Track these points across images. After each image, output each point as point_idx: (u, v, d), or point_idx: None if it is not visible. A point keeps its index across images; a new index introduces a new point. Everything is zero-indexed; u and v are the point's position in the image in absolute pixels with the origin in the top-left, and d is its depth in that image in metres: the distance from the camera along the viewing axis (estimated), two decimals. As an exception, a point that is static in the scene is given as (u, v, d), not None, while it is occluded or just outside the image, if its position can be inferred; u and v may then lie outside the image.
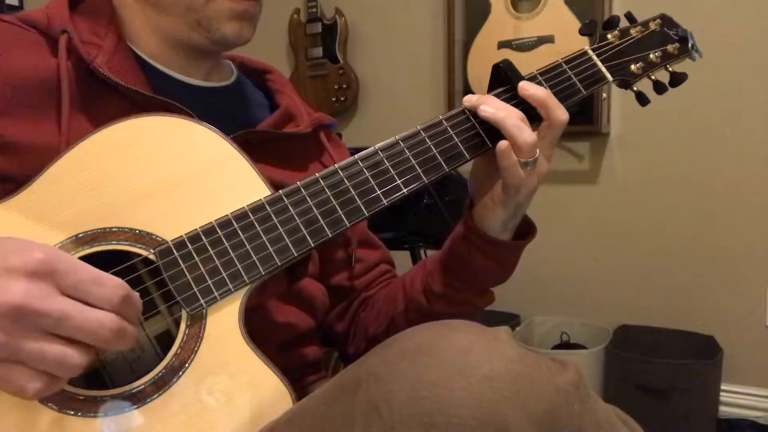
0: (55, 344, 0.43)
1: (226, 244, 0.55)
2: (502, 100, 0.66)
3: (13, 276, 0.42)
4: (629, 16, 0.75)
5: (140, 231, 0.55)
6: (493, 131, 0.64)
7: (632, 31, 0.73)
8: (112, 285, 0.45)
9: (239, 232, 0.56)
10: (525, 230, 0.70)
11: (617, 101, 1.94)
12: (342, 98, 2.29)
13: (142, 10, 0.67)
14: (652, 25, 0.73)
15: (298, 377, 0.71)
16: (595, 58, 0.70)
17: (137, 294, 0.48)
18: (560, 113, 0.65)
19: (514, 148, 0.62)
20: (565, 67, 0.69)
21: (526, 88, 0.65)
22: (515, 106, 0.66)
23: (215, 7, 0.66)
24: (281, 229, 0.57)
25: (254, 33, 0.70)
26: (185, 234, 0.55)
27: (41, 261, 0.43)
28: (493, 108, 0.63)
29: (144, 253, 0.54)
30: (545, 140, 0.65)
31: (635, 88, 0.73)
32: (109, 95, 0.62)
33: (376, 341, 0.78)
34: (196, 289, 0.54)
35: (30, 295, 0.42)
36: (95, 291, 0.44)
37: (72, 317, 0.43)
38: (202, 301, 0.54)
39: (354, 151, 0.66)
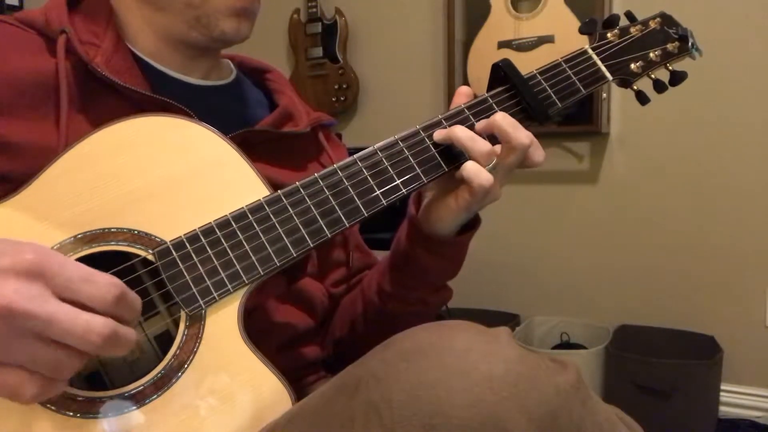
0: (46, 347, 0.42)
1: (225, 245, 0.55)
2: (501, 99, 0.66)
3: (2, 276, 0.41)
4: (629, 15, 0.74)
5: (139, 231, 0.55)
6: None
7: (632, 29, 0.73)
8: (103, 282, 0.44)
9: (238, 232, 0.56)
10: (469, 223, 0.69)
11: (617, 101, 1.94)
12: (342, 98, 2.29)
13: (140, 9, 0.67)
14: (652, 24, 0.73)
15: (298, 377, 0.71)
16: (594, 57, 0.70)
17: (135, 294, 0.46)
18: (521, 136, 0.61)
19: (473, 158, 0.61)
20: (564, 66, 0.69)
21: (478, 125, 0.63)
22: (514, 106, 0.66)
23: (214, 4, 0.65)
24: (280, 230, 0.57)
25: (252, 30, 0.70)
26: (184, 234, 0.55)
27: (31, 261, 0.42)
28: (445, 132, 0.62)
29: (143, 253, 0.54)
30: (507, 160, 0.61)
31: (635, 87, 0.72)
32: (108, 95, 0.62)
33: (341, 345, 0.78)
34: (195, 290, 0.54)
35: (19, 296, 0.40)
36: (85, 289, 0.43)
37: (60, 321, 0.41)
38: (201, 302, 0.53)
39: (354, 151, 0.65)
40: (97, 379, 0.56)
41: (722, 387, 1.78)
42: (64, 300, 0.42)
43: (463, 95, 0.67)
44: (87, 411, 0.49)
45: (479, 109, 0.65)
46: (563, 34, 1.89)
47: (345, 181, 0.60)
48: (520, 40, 1.95)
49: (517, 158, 0.62)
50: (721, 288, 1.87)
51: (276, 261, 0.56)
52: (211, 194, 0.57)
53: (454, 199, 0.64)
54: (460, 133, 0.61)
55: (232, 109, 0.74)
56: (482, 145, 0.60)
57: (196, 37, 0.68)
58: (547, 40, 1.91)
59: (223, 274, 0.54)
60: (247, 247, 0.56)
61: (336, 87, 2.28)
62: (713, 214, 1.86)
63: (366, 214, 0.60)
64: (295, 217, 0.58)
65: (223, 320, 0.54)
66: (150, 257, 0.54)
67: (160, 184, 0.57)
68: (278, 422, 0.50)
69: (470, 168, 0.60)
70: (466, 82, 2.08)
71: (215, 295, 0.54)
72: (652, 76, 0.73)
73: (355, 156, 0.61)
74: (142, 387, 0.50)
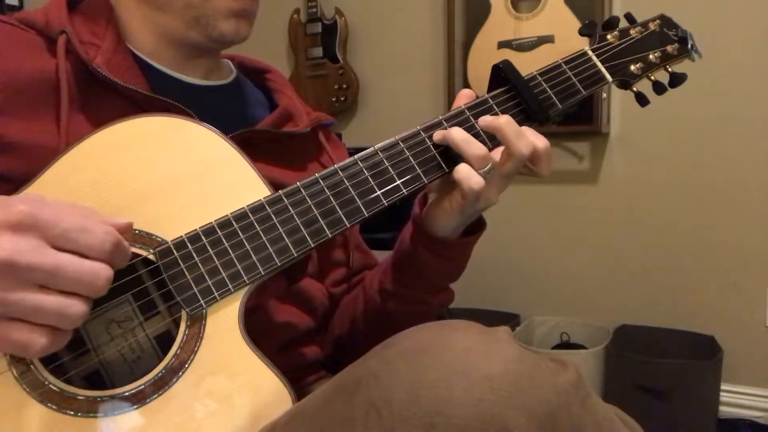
0: (51, 295, 0.42)
1: (226, 245, 0.55)
2: (501, 101, 0.66)
3: None
4: (629, 17, 0.75)
5: (140, 231, 0.55)
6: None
7: (632, 31, 0.73)
8: (100, 232, 0.44)
9: (239, 232, 0.56)
10: (475, 226, 0.69)
11: (617, 101, 1.95)
12: (342, 98, 2.29)
13: (140, 8, 0.67)
14: (652, 26, 0.73)
15: (298, 377, 0.71)
16: (594, 58, 0.70)
17: (126, 242, 0.48)
18: (521, 145, 0.59)
19: (466, 161, 0.60)
20: (564, 67, 0.69)
21: (482, 119, 0.63)
22: (514, 107, 0.66)
23: (213, 5, 0.66)
24: (281, 230, 0.57)
25: (251, 31, 0.70)
26: (185, 234, 0.55)
27: (24, 213, 0.42)
28: (443, 133, 0.62)
29: (144, 253, 0.54)
30: (503, 167, 0.61)
31: (635, 89, 0.72)
32: (108, 95, 0.62)
33: (341, 343, 0.78)
34: (195, 290, 0.54)
35: (18, 250, 0.41)
36: (83, 239, 0.43)
37: (65, 269, 0.42)
38: (201, 302, 0.54)
39: (354, 151, 0.66)
40: (98, 378, 0.56)
41: (722, 387, 1.78)
42: (60, 249, 0.43)
43: (464, 97, 0.67)
44: (87, 410, 0.49)
45: (479, 110, 0.65)
46: (563, 35, 1.89)
47: (346, 181, 0.60)
48: (520, 40, 1.95)
49: (515, 166, 0.61)
50: (721, 288, 1.87)
51: (277, 261, 0.56)
52: (212, 194, 0.57)
53: (448, 201, 0.64)
54: (456, 135, 0.61)
55: (232, 109, 0.74)
56: (476, 148, 0.60)
57: (194, 38, 0.68)
58: (547, 40, 1.92)
59: (224, 274, 0.55)
60: (248, 246, 0.56)
61: (336, 87, 2.28)
62: (713, 213, 1.86)
63: (366, 215, 0.60)
64: (295, 217, 0.58)
65: (224, 320, 0.54)
66: (151, 257, 0.54)
67: (161, 184, 0.57)
68: (278, 422, 0.50)
69: (461, 170, 0.60)
70: (466, 82, 2.08)
71: (216, 294, 0.54)
72: (652, 77, 0.73)
73: (356, 156, 0.61)
74: (142, 387, 0.50)
